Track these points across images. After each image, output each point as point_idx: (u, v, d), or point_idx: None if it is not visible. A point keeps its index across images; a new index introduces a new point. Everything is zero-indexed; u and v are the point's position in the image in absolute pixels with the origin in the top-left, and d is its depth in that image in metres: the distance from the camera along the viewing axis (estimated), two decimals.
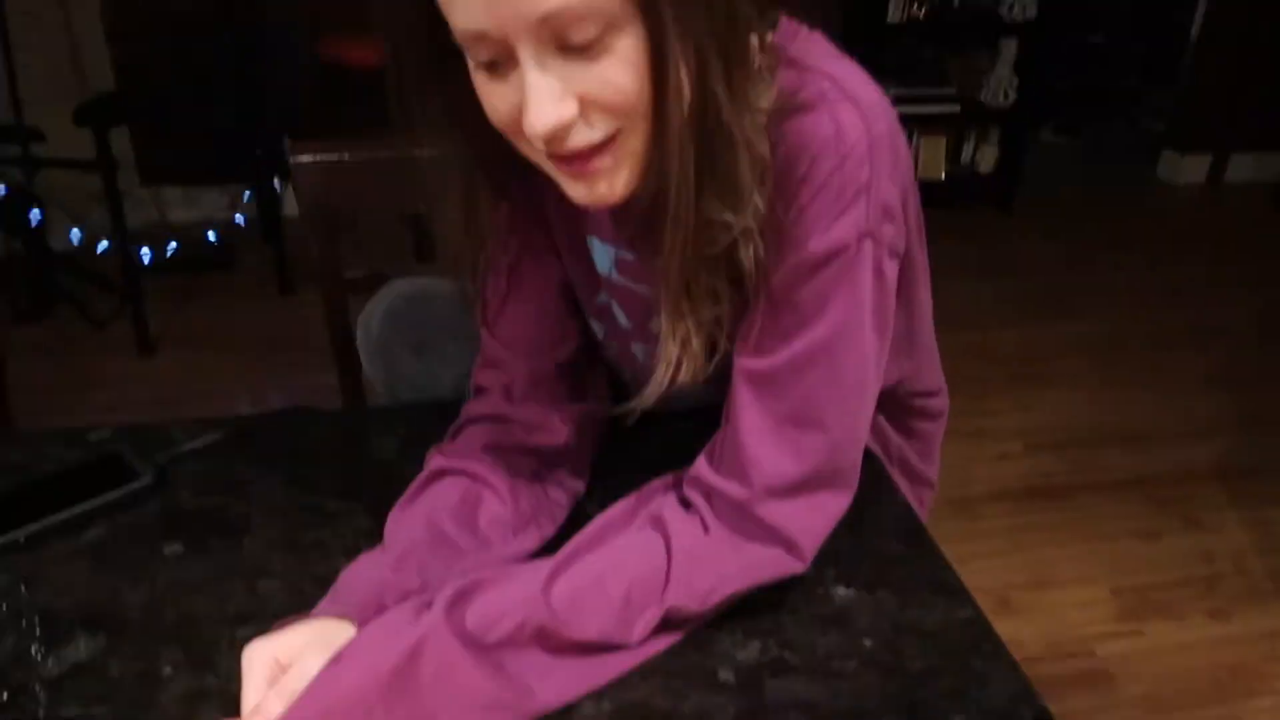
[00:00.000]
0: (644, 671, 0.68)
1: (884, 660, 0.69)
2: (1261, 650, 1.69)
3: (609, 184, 0.64)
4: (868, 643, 0.70)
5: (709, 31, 0.58)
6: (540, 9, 0.54)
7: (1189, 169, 4.03)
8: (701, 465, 0.73)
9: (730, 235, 0.64)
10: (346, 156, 1.12)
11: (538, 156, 0.64)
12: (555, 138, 0.59)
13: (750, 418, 0.70)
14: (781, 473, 0.69)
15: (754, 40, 0.64)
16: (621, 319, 0.86)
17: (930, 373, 0.97)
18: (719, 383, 0.72)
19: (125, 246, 2.54)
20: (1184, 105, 3.99)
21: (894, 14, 3.36)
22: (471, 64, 0.61)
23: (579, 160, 0.62)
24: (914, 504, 0.99)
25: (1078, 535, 1.99)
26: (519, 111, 0.59)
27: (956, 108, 3.56)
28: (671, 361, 0.68)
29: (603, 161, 0.62)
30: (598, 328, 0.89)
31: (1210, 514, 2.06)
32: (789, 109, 0.64)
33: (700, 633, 0.71)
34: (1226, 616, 1.77)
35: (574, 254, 0.84)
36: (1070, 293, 3.08)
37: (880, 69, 3.29)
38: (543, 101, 0.57)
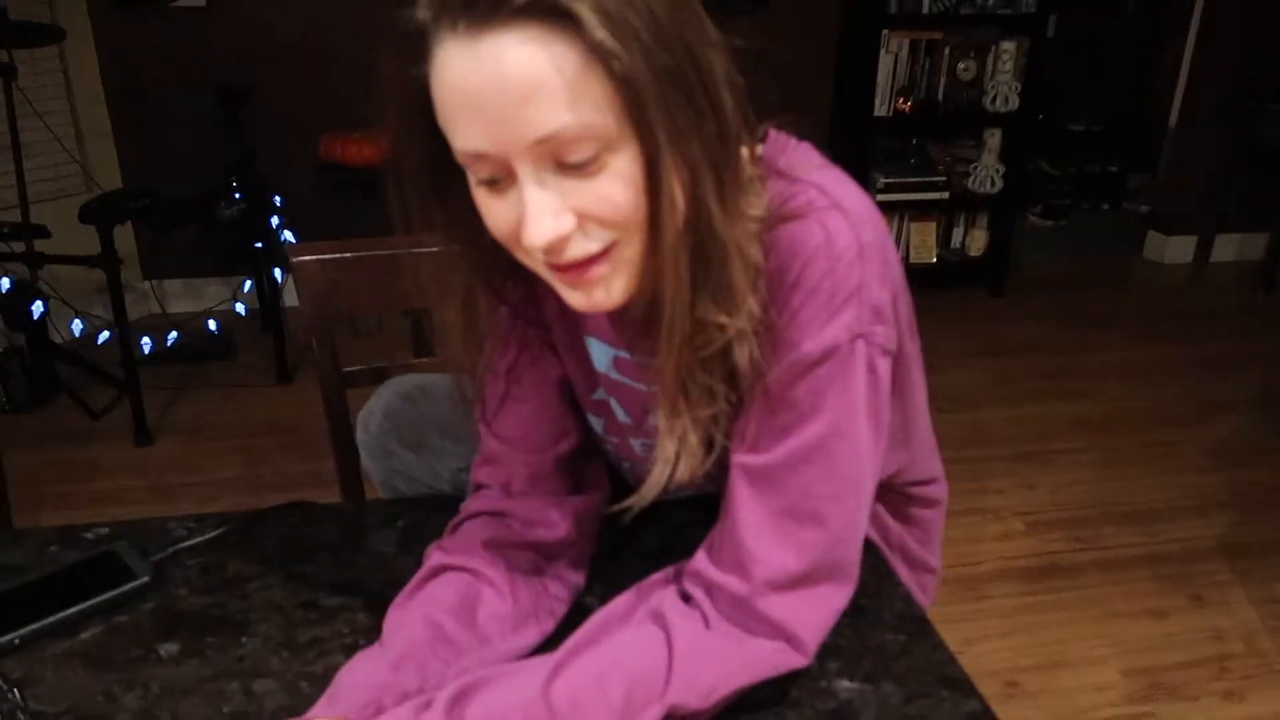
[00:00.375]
0: None
1: None
2: None
3: (606, 291, 0.66)
4: None
5: (701, 148, 0.60)
6: (537, 132, 0.57)
7: (1175, 250, 4.10)
8: (701, 559, 0.73)
9: (725, 337, 0.66)
10: (346, 255, 1.14)
11: (536, 265, 0.67)
12: (553, 249, 0.62)
13: (748, 513, 0.70)
14: (781, 566, 0.69)
15: (744, 153, 0.67)
16: (620, 414, 0.87)
17: (927, 461, 0.98)
18: (717, 474, 0.73)
19: (125, 337, 2.57)
20: (1166, 190, 4.09)
21: (881, 108, 3.46)
22: (472, 180, 0.64)
23: (576, 269, 0.64)
24: (916, 590, 0.99)
25: (1085, 614, 1.97)
26: (518, 225, 0.62)
27: (945, 194, 3.63)
28: (669, 459, 0.69)
29: (599, 270, 0.64)
30: (596, 423, 0.90)
31: (1217, 591, 2.04)
32: (780, 217, 0.67)
33: None
34: (1240, 697, 1.74)
35: (572, 353, 0.86)
36: (1065, 372, 3.10)
37: (870, 159, 3.40)
38: (541, 216, 0.60)
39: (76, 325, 2.92)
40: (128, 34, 3.12)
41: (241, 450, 2.57)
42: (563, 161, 0.59)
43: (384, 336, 2.98)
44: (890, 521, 0.97)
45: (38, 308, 2.65)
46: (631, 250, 0.64)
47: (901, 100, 3.47)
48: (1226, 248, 4.08)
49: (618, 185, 0.60)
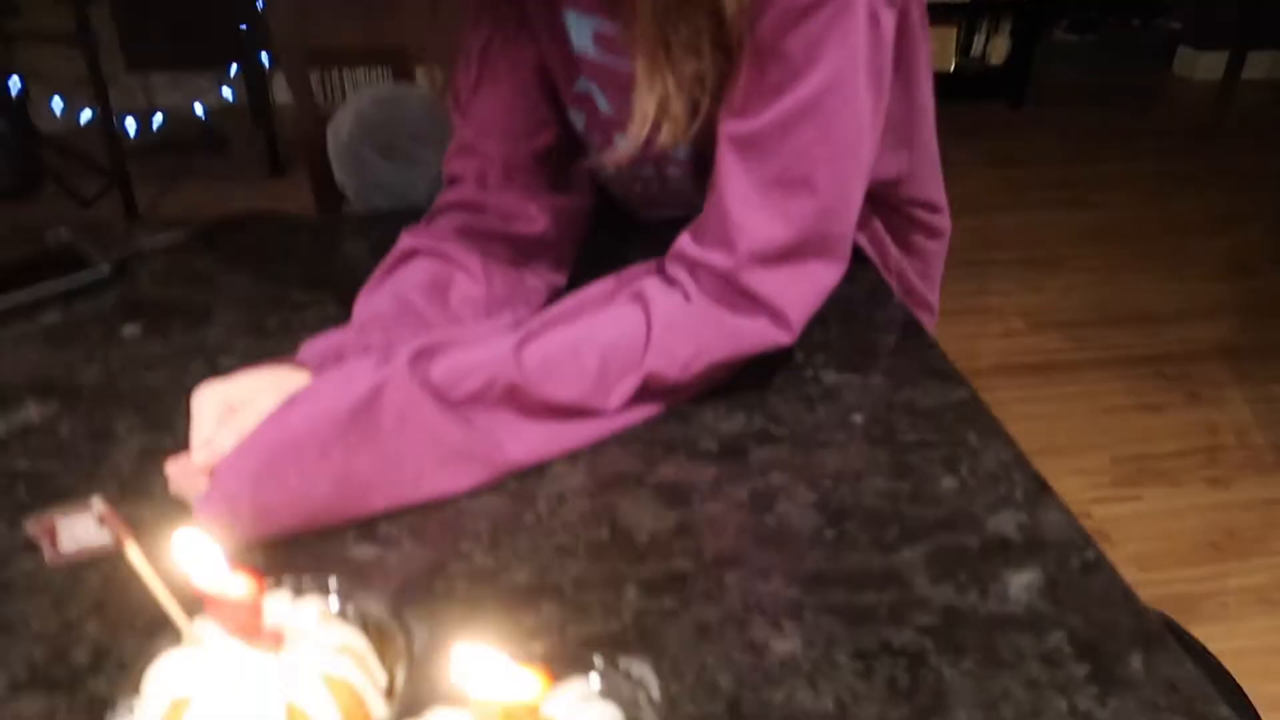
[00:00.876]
0: (621, 439, 0.64)
1: (874, 433, 0.65)
2: (1260, 516, 1.67)
3: None
4: (857, 418, 0.67)
5: None
6: None
7: (1205, 66, 3.91)
8: (685, 240, 0.69)
9: None
10: None
11: None
12: None
13: (735, 183, 0.65)
14: (768, 238, 0.64)
15: None
16: (602, 104, 0.80)
17: (931, 183, 0.92)
18: (706, 152, 0.68)
19: (110, 122, 2.47)
20: (1199, 4, 3.86)
21: None
22: None
23: None
24: (933, 263, 0.96)
25: (1081, 408, 1.97)
26: None
27: None
28: (647, 116, 0.64)
29: None
30: (577, 118, 0.84)
31: (1215, 390, 2.03)
32: None
33: (682, 407, 0.67)
34: (1226, 484, 1.75)
35: (550, 34, 0.78)
36: (1081, 183, 3.00)
37: None
38: None
39: (57, 103, 2.80)
40: None
41: None
42: None
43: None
44: (889, 244, 0.92)
45: (15, 84, 2.54)
46: None
47: None
48: (1259, 65, 3.89)
49: None
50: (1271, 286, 2.42)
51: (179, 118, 3.02)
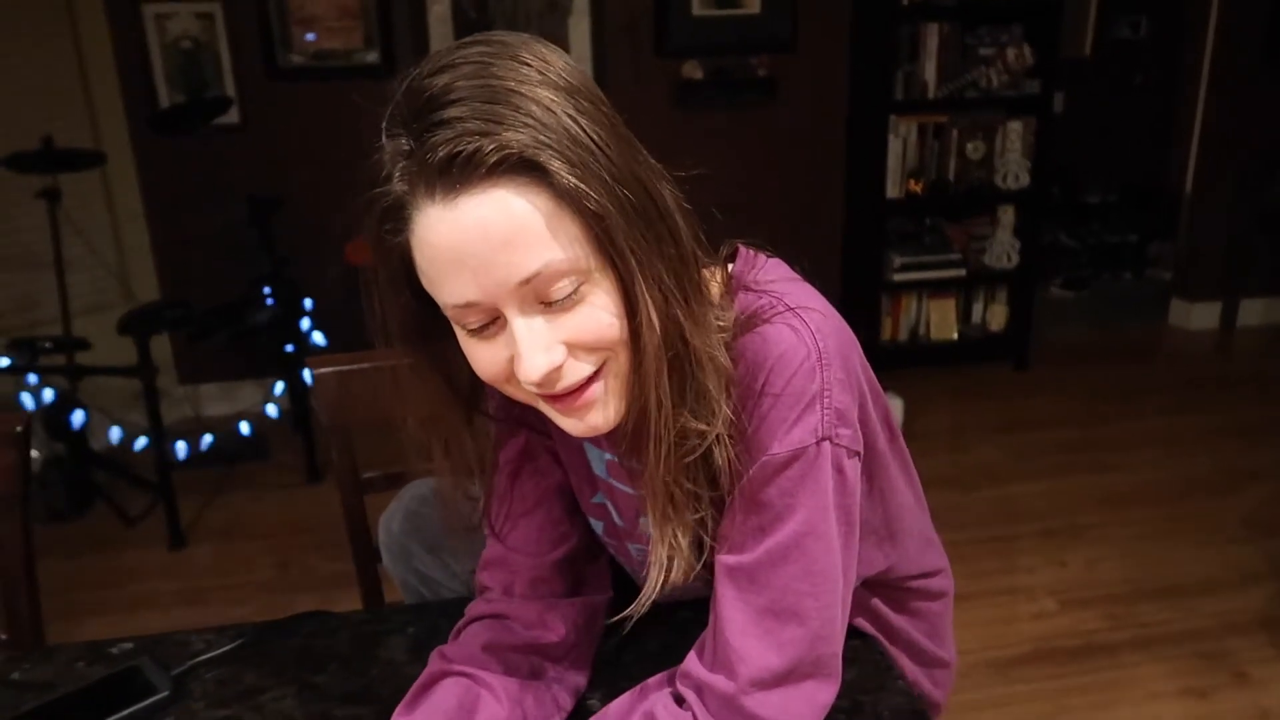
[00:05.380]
0: None
1: None
2: None
3: (602, 413, 0.71)
4: None
5: (666, 269, 0.66)
6: (521, 273, 0.63)
7: (1200, 316, 4.08)
8: (692, 660, 0.76)
9: (705, 443, 0.70)
10: (363, 366, 1.19)
11: (529, 398, 0.71)
12: (547, 381, 0.66)
13: (732, 612, 0.73)
14: (765, 665, 0.72)
15: (706, 272, 0.73)
16: (616, 518, 0.90)
17: (923, 555, 0.99)
18: (710, 578, 0.76)
19: (161, 443, 2.64)
20: (1187, 257, 4.09)
21: (893, 190, 3.52)
22: (461, 333, 0.69)
23: (570, 396, 0.69)
24: (928, 685, 0.99)
25: (1124, 696, 1.92)
26: (510, 365, 0.67)
27: (963, 271, 3.66)
28: (663, 563, 0.73)
29: (594, 391, 0.69)
30: (596, 526, 0.93)
31: (1259, 667, 1.99)
32: (745, 326, 0.72)
33: None
34: None
35: (571, 457, 0.89)
36: (1093, 445, 3.07)
37: (885, 241, 3.43)
38: (534, 352, 0.65)
39: (115, 432, 3.00)
40: (165, 153, 3.27)
41: (271, 551, 2.61)
42: (546, 299, 0.65)
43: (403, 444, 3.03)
44: (892, 616, 0.97)
45: (78, 417, 2.73)
46: (619, 367, 0.69)
47: (913, 182, 3.53)
48: (1252, 312, 4.06)
49: (598, 312, 0.66)
50: None
51: (226, 432, 3.20)
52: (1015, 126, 3.52)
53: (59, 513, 2.81)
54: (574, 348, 0.67)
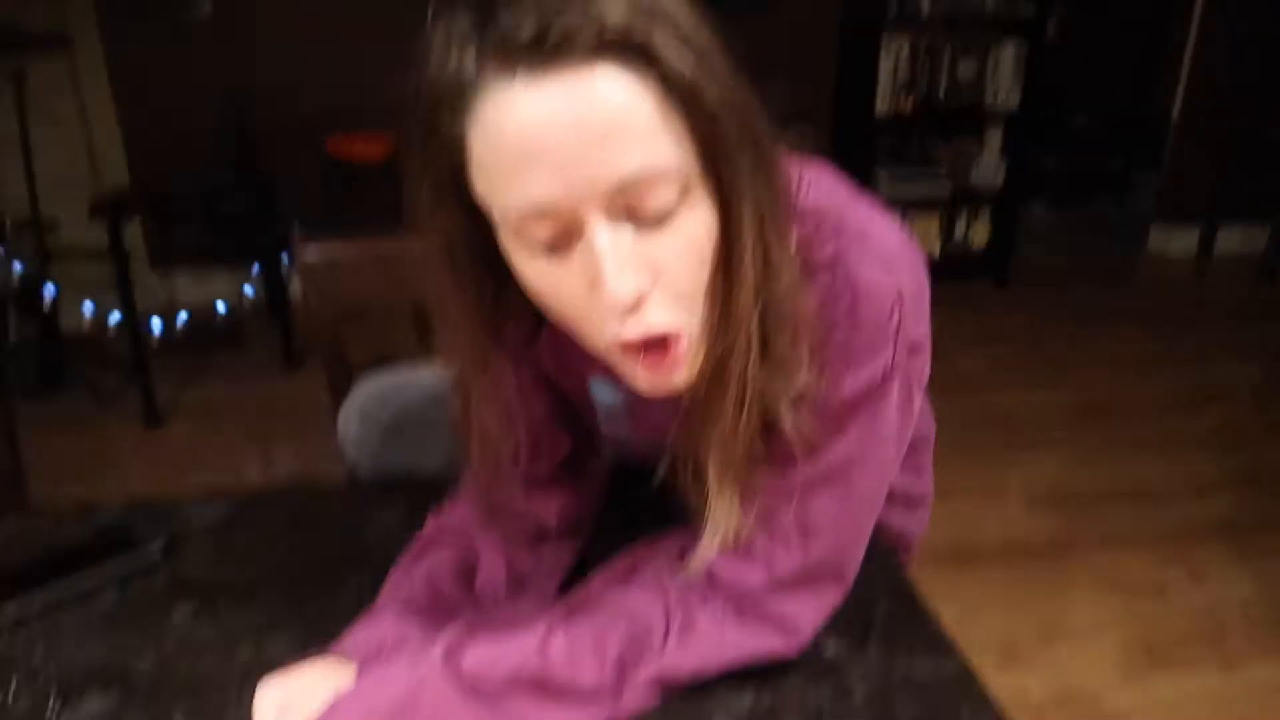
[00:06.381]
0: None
1: (875, 712, 0.71)
2: (1270, 702, 1.68)
3: (687, 371, 0.61)
4: (858, 697, 0.72)
5: (767, 193, 0.58)
6: (618, 173, 0.52)
7: (1179, 242, 4.11)
8: (712, 551, 0.71)
9: (783, 405, 0.63)
10: (352, 253, 1.16)
11: (605, 346, 0.60)
12: (636, 307, 0.56)
13: (767, 518, 0.70)
14: (788, 569, 0.70)
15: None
16: (623, 431, 0.86)
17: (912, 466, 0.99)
18: None
19: (134, 322, 2.60)
20: (1170, 183, 4.10)
21: (882, 106, 3.48)
22: (524, 255, 0.57)
23: (658, 351, 0.59)
24: (915, 528, 1.01)
25: (1084, 589, 2.00)
26: (589, 288, 0.55)
27: (948, 189, 3.65)
28: (720, 529, 0.68)
29: (681, 348, 0.60)
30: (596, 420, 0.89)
31: (1215, 569, 2.07)
32: (813, 266, 0.64)
33: (692, 686, 0.73)
34: (1234, 668, 1.77)
35: (572, 390, 0.83)
36: (1067, 361, 3.12)
37: (873, 157, 3.39)
38: (622, 268, 0.54)
39: (88, 307, 2.94)
40: (135, 41, 3.17)
41: (252, 437, 2.60)
42: (638, 211, 0.54)
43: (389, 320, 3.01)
44: None
45: (50, 291, 2.68)
46: (698, 323, 0.60)
47: (902, 99, 3.48)
48: (1230, 240, 4.09)
49: (690, 241, 0.56)
50: (1260, 462, 2.49)
51: (200, 313, 3.16)
52: (1008, 49, 3.47)
53: (32, 391, 2.78)
54: (662, 279, 0.56)
